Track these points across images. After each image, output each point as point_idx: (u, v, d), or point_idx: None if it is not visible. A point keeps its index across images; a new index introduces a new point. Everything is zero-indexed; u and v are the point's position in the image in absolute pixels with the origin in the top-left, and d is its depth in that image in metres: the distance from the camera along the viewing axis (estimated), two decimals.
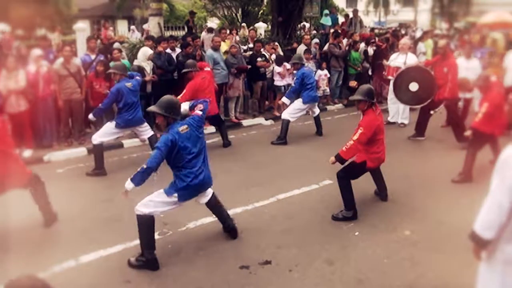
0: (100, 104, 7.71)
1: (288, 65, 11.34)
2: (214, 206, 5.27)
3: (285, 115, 9.39)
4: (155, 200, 4.77)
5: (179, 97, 7.43)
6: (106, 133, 7.58)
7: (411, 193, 6.62)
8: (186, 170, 4.75)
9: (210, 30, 14.08)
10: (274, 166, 7.87)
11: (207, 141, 9.35)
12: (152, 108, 4.88)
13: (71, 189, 6.85)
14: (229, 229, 5.33)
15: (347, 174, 5.81)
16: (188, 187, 4.77)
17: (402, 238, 5.28)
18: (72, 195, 6.58)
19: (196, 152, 4.79)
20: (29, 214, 5.65)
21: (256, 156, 8.47)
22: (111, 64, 9.49)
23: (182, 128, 4.72)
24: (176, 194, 4.77)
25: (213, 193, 5.24)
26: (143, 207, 4.72)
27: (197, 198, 5.10)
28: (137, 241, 5.12)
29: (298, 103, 9.43)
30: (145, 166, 4.49)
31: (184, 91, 8.15)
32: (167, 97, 4.94)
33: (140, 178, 4.54)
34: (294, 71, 9.73)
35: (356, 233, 5.40)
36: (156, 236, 5.30)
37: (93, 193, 6.64)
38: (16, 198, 5.54)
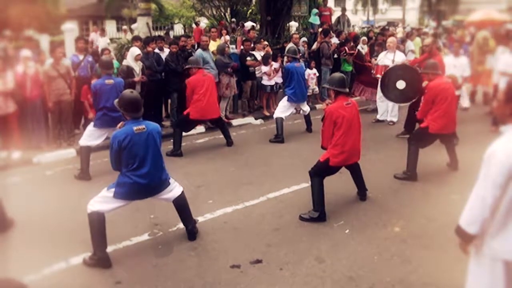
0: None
1: (275, 64, 11.35)
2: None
3: (276, 113, 9.60)
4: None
5: None
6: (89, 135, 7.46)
7: (401, 190, 6.67)
8: None
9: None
10: (264, 165, 7.88)
11: (197, 141, 9.48)
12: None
13: (61, 191, 6.81)
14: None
15: None
16: None
17: (392, 235, 5.31)
18: (62, 197, 6.55)
19: None
20: (18, 216, 5.63)
21: (246, 156, 8.47)
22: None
23: None
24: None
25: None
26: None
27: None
28: (126, 243, 5.15)
29: (283, 101, 9.68)
30: None
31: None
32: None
33: None
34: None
35: (347, 231, 5.43)
36: (147, 237, 5.32)
37: (83, 195, 6.58)
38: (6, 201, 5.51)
